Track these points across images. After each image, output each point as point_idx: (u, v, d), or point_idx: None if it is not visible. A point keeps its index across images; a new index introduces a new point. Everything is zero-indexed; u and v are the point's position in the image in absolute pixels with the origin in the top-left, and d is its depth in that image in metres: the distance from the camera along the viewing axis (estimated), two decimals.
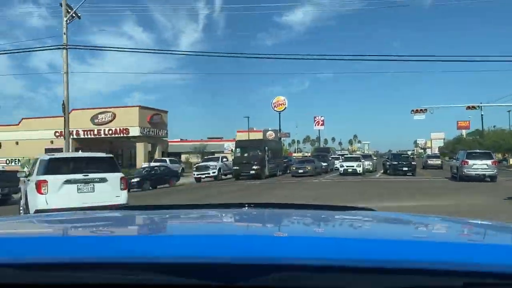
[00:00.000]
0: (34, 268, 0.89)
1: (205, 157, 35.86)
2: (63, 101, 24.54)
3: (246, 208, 2.00)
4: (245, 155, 29.44)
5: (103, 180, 9.11)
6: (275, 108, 49.82)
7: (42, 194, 8.44)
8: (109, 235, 1.29)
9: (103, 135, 38.47)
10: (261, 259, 0.90)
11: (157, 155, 40.06)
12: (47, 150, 35.29)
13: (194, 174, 29.44)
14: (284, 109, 50.58)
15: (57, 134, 35.77)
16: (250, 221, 1.74)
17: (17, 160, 37.89)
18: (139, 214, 1.84)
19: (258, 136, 54.49)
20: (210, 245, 1.01)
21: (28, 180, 9.44)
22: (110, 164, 9.60)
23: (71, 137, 36.27)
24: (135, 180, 23.79)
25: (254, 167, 28.30)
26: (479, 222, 1.68)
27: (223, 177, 30.49)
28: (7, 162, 39.02)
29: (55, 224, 1.66)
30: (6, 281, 0.88)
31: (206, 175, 29.19)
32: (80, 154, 11.79)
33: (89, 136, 38.71)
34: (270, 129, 70.72)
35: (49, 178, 8.60)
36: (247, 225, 1.68)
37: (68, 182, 8.79)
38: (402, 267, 0.87)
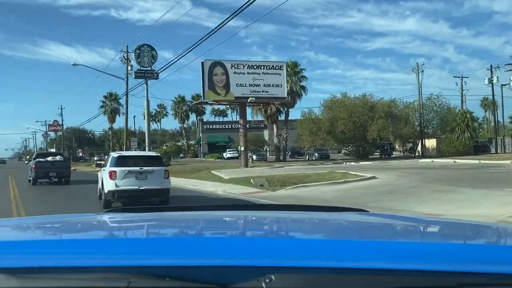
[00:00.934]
0: (21, 273, 0.89)
1: None
2: None
3: (240, 210, 2.21)
4: None
5: (152, 171, 12.44)
6: None
7: (112, 180, 12.05)
8: (96, 239, 1.33)
9: None
10: (254, 261, 0.93)
11: None
12: None
13: None
14: None
15: None
16: (243, 223, 1.77)
17: None
18: (126, 217, 1.86)
19: None
20: (203, 248, 1.06)
21: (103, 170, 13.31)
22: (158, 160, 13.40)
23: None
24: None
25: None
26: (471, 223, 1.75)
27: None
28: None
29: (35, 228, 1.65)
30: None
31: None
32: (137, 153, 18.72)
33: None
34: None
35: (117, 169, 12.24)
36: (240, 228, 1.72)
37: (129, 172, 12.25)
38: (396, 268, 0.91)
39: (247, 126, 35.83)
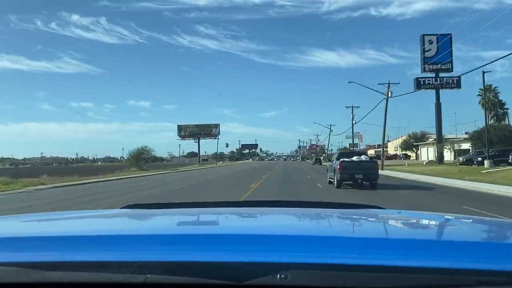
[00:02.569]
0: (36, 267, 0.91)
1: None
2: None
3: (255, 206, 2.17)
4: None
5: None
6: None
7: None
8: (113, 234, 1.33)
9: None
10: (269, 258, 0.93)
11: None
12: None
13: None
14: None
15: None
16: (259, 219, 1.81)
17: None
18: (144, 213, 1.88)
19: None
20: (218, 244, 1.07)
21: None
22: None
23: None
24: None
25: None
26: (494, 220, 1.71)
27: None
28: None
29: (54, 224, 1.67)
30: (8, 280, 0.90)
31: None
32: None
33: None
34: None
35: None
36: (257, 224, 1.73)
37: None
38: (414, 265, 0.90)
39: None
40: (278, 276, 0.87)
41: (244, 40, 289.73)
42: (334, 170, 20.74)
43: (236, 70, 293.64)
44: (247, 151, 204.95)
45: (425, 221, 1.76)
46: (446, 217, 1.84)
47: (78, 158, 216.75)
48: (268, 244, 1.07)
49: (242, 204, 2.37)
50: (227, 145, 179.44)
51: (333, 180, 21.34)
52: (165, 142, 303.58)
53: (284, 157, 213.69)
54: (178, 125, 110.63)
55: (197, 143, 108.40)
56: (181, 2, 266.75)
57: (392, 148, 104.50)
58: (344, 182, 20.06)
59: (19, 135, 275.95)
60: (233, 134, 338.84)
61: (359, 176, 19.41)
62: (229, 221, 1.75)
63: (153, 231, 1.47)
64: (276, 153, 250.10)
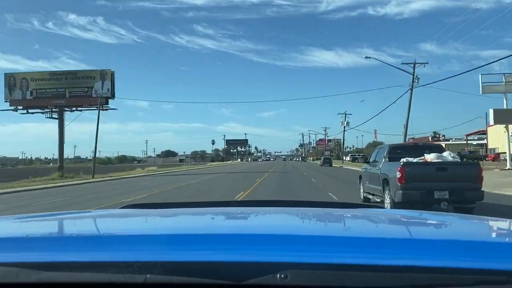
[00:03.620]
0: (35, 267, 0.92)
1: None
2: None
3: (255, 206, 2.16)
4: None
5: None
6: None
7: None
8: (113, 234, 1.35)
9: None
10: (269, 257, 0.93)
11: None
12: None
13: None
14: None
15: None
16: (259, 219, 1.82)
17: None
18: (143, 213, 1.87)
19: None
20: (217, 244, 1.07)
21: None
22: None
23: None
24: None
25: None
26: (495, 220, 1.72)
27: None
28: None
29: (57, 223, 1.72)
30: (7, 280, 0.90)
31: None
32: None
33: None
34: None
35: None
36: (256, 223, 1.74)
37: None
38: (412, 264, 0.90)
39: None
40: (278, 275, 0.87)
41: (242, 40, 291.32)
42: (385, 180, 10.60)
43: (234, 70, 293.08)
44: (239, 149, 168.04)
45: (425, 221, 1.77)
46: (446, 216, 1.84)
47: (30, 158, 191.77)
48: (268, 244, 1.08)
49: (241, 204, 2.40)
50: (213, 142, 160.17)
51: (379, 199, 11.37)
52: (168, 142, 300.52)
53: (283, 157, 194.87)
54: (5, 74, 42.49)
55: (58, 120, 40.37)
56: (179, 2, 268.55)
57: (503, 136, 43.21)
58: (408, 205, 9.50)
59: (18, 135, 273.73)
60: (232, 133, 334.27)
61: (443, 194, 9.56)
62: (229, 221, 1.76)
63: (152, 231, 1.48)
64: (275, 152, 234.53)
